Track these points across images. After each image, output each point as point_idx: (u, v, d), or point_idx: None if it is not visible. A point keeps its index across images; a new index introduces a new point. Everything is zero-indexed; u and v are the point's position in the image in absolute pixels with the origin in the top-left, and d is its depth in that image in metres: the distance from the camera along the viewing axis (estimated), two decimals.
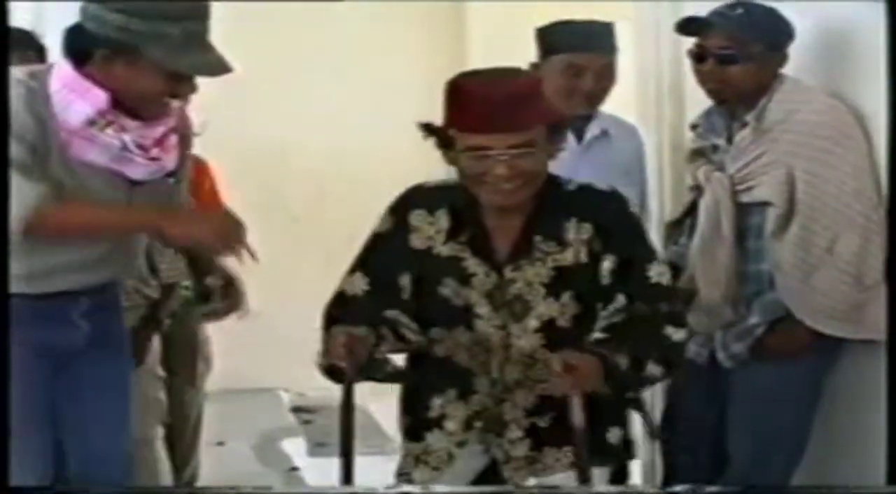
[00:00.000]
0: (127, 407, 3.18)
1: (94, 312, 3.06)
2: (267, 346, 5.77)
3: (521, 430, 2.86)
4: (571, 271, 2.78)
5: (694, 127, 3.50)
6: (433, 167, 3.04)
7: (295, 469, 5.02)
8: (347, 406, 2.75)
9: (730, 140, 3.36)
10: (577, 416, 2.69)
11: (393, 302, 2.86)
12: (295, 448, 5.28)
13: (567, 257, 2.78)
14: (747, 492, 3.07)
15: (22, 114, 2.84)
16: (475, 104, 2.70)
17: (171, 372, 3.85)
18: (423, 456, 2.90)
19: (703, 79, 3.34)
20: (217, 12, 2.88)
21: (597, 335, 2.76)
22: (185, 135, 3.11)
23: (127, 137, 2.92)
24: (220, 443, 4.53)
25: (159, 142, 2.98)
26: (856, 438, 3.38)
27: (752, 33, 3.25)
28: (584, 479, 2.71)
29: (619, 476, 2.94)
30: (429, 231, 2.86)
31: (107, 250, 3.03)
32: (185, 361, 3.96)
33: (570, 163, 3.16)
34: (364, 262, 2.90)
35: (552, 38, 3.65)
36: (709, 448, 3.43)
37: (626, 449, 2.94)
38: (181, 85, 2.92)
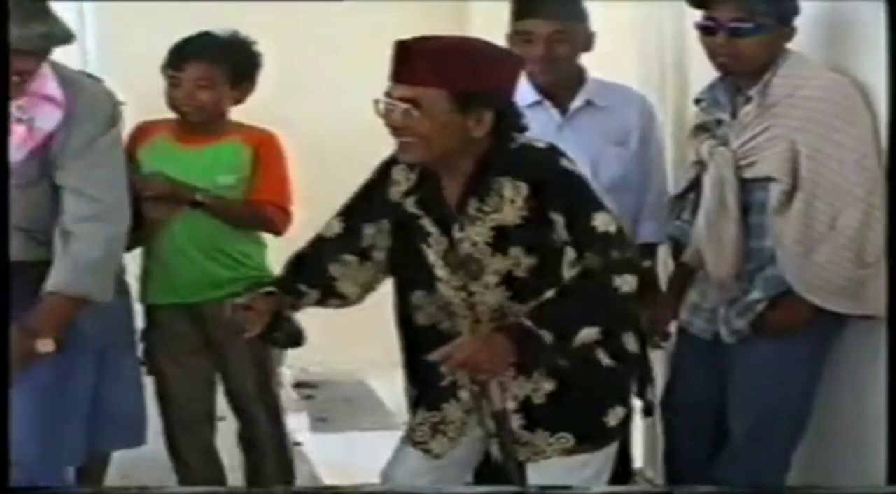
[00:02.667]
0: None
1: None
2: None
3: (515, 402, 2.85)
4: (512, 229, 2.77)
5: (697, 101, 3.49)
6: None
7: (297, 444, 5.02)
8: None
9: (734, 115, 3.34)
10: (496, 401, 2.77)
11: (354, 249, 2.92)
12: (297, 423, 5.27)
13: (506, 216, 2.77)
14: (746, 492, 3.07)
15: None
16: (395, 52, 2.77)
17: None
18: (441, 426, 2.91)
19: (714, 52, 3.30)
20: None
21: (546, 296, 2.74)
22: (41, 127, 2.97)
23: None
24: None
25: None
26: (856, 414, 3.38)
27: (763, 5, 3.23)
28: (515, 468, 2.78)
29: (622, 453, 2.94)
30: (403, 186, 2.89)
31: None
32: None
33: (553, 136, 3.16)
34: (344, 207, 2.98)
35: (511, 7, 3.61)
36: (711, 425, 3.44)
37: (623, 425, 2.92)
38: (15, 59, 2.78)
